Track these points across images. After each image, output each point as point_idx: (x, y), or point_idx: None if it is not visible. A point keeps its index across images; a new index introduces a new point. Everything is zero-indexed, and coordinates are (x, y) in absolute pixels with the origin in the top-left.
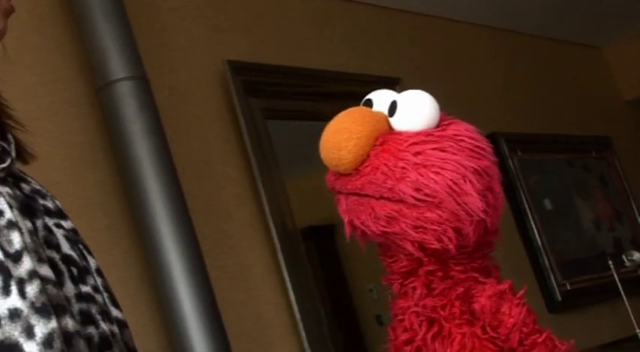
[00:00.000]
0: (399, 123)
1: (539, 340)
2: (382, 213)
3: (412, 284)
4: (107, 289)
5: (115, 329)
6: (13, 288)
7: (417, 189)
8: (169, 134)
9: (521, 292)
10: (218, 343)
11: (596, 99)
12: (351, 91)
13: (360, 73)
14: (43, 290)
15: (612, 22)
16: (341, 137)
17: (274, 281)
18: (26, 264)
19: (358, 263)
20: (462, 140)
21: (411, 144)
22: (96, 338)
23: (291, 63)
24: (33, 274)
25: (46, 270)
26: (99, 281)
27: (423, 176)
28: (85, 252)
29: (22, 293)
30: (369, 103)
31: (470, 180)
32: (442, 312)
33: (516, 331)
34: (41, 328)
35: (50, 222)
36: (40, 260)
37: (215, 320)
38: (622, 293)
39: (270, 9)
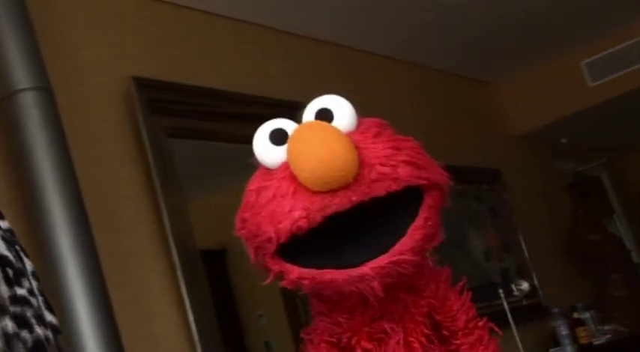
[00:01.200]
0: (339, 124)
1: (480, 324)
2: None
3: None
4: (42, 293)
5: (50, 334)
6: None
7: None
8: (71, 148)
9: (461, 283)
10: None
11: (488, 133)
12: (255, 113)
13: (264, 96)
14: None
15: (504, 59)
16: (335, 153)
17: (173, 300)
18: None
19: (249, 288)
20: (382, 131)
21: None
22: (29, 343)
23: (196, 82)
24: None
25: None
26: (34, 284)
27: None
28: (21, 254)
29: None
30: (280, 133)
31: None
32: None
33: (463, 313)
34: None
35: None
36: None
37: (112, 337)
38: (510, 321)
39: (177, 28)
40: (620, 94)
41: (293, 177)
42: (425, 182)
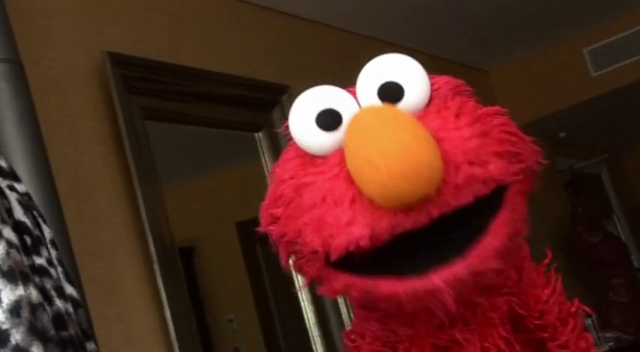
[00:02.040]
0: (411, 105)
1: (573, 310)
2: None
3: None
4: (61, 263)
5: (70, 307)
6: None
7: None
8: (42, 126)
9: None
10: None
11: None
12: (239, 95)
13: (248, 78)
14: (8, 254)
15: (502, 46)
16: (418, 163)
17: (149, 296)
18: None
19: (219, 291)
20: (463, 106)
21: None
22: (49, 316)
23: (175, 60)
24: None
25: (8, 233)
26: (53, 253)
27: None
28: (39, 220)
29: None
30: (332, 115)
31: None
32: None
33: (555, 304)
34: (8, 294)
35: (3, 183)
36: (2, 221)
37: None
38: None
39: (157, 1)
40: (625, 85)
41: (350, 178)
42: (519, 178)
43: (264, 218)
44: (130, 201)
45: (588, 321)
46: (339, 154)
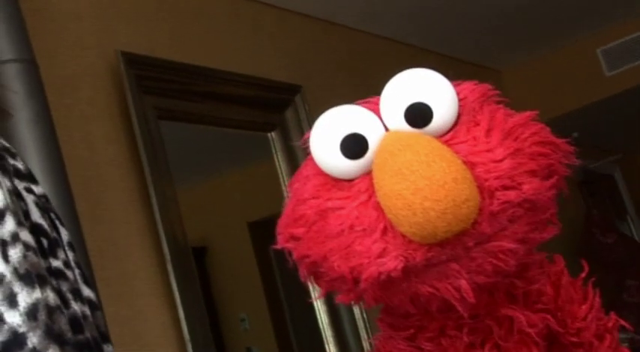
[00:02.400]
0: (440, 128)
1: (610, 325)
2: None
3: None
4: (78, 265)
5: (87, 310)
6: None
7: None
8: (56, 126)
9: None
10: None
11: None
12: (252, 95)
13: (261, 78)
14: (25, 257)
15: (515, 45)
16: (451, 193)
17: (162, 296)
18: (9, 224)
19: (231, 290)
20: (492, 121)
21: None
22: (66, 319)
23: (189, 60)
24: (16, 237)
25: (26, 235)
26: (70, 255)
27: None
28: (56, 222)
29: (5, 257)
30: (358, 141)
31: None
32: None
33: (593, 320)
34: (25, 297)
35: (20, 185)
36: (19, 223)
37: None
38: None
39: (170, 1)
40: (639, 85)
41: (380, 208)
42: (553, 192)
43: (282, 235)
44: (144, 201)
45: None
46: (367, 180)
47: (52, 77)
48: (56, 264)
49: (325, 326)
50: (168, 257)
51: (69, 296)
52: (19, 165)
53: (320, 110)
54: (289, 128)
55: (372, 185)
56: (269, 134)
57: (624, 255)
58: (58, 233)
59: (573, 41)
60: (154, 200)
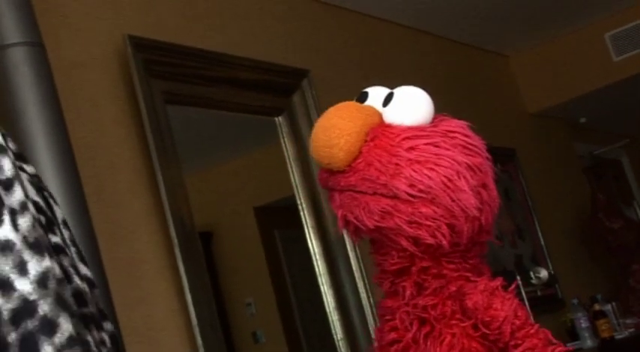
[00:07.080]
0: (392, 114)
1: (532, 331)
2: (376, 208)
3: (403, 283)
4: (74, 243)
5: (86, 287)
6: (6, 218)
7: (411, 185)
8: (63, 109)
9: (512, 287)
10: None
11: (503, 109)
12: (259, 79)
13: (268, 62)
14: (34, 226)
15: (522, 30)
16: (331, 134)
17: (170, 279)
18: (18, 193)
19: (237, 275)
20: (454, 136)
21: (403, 139)
22: (70, 292)
23: (196, 44)
24: (24, 206)
25: (31, 207)
26: (66, 233)
27: (417, 172)
28: (50, 201)
29: (15, 225)
30: (363, 97)
31: (464, 177)
32: (433, 312)
33: (507, 323)
34: (35, 265)
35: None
36: (26, 196)
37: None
38: (528, 310)
39: None
40: None
41: None
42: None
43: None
44: (151, 184)
45: (608, 307)
46: None
47: (60, 60)
48: (55, 239)
49: (332, 310)
50: (175, 241)
51: (70, 270)
52: (11, 145)
53: (327, 94)
54: (296, 112)
55: None
56: (276, 118)
57: (630, 239)
58: (53, 212)
59: (581, 26)
60: (161, 184)
